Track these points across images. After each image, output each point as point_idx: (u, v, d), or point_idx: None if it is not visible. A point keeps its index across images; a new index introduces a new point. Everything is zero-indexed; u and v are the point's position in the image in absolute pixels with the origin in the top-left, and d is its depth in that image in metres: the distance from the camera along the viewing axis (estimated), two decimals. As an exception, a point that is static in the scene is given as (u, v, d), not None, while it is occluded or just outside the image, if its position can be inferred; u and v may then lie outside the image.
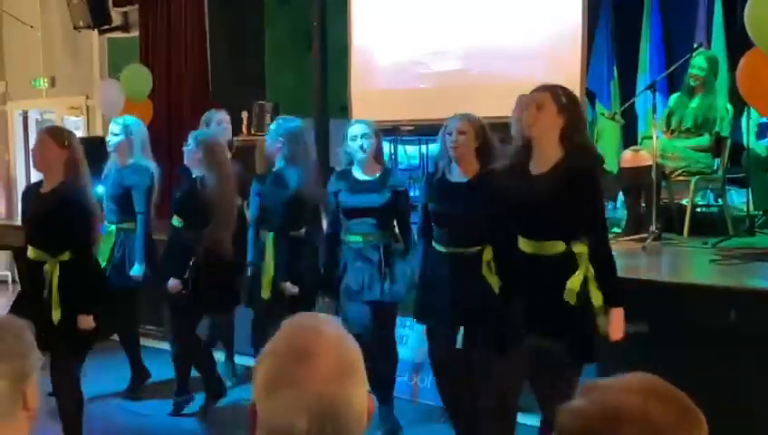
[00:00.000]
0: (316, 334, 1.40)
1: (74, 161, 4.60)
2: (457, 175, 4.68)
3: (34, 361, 1.81)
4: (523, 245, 3.96)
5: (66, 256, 4.57)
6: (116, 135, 6.02)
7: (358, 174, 5.12)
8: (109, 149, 6.13)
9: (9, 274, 11.37)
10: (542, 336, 3.88)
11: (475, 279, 4.48)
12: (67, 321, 4.51)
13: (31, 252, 4.69)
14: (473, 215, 4.49)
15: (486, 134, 4.63)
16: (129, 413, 5.90)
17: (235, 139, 8.67)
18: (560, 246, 3.84)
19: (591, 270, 3.81)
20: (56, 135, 4.65)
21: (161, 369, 6.19)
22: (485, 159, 4.57)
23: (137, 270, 5.90)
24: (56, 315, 4.49)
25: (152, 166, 6.07)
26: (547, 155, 3.86)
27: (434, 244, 4.74)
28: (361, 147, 5.06)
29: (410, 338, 6.06)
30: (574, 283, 3.78)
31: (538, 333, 3.89)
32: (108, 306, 4.93)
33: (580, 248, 3.82)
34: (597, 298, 3.82)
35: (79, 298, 4.57)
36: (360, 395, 1.39)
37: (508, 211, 4.04)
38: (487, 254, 4.49)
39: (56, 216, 4.55)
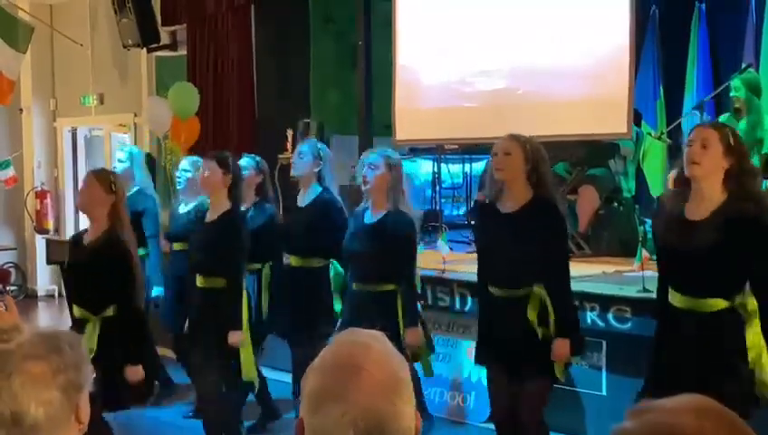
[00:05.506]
0: (364, 349, 1.39)
1: (119, 208, 4.47)
2: (506, 205, 4.17)
3: (88, 374, 1.82)
4: (676, 299, 3.57)
5: (110, 312, 4.41)
6: (122, 162, 6.22)
7: None
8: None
9: (56, 287, 11.53)
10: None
11: (522, 327, 4.05)
12: (108, 376, 4.17)
13: (75, 310, 4.56)
14: (519, 251, 4.05)
15: (539, 157, 4.13)
16: (149, 420, 5.87)
17: (280, 157, 8.76)
18: (720, 304, 3.47)
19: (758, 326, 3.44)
20: (103, 179, 4.51)
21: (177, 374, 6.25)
22: (538, 185, 4.12)
23: (157, 291, 6.05)
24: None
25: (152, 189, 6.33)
26: (708, 198, 3.51)
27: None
28: None
29: (451, 356, 6.04)
30: (755, 341, 3.40)
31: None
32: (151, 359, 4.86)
33: (751, 303, 3.45)
34: None
35: (125, 351, 4.38)
36: (408, 412, 1.37)
37: (662, 259, 3.70)
38: (534, 300, 4.04)
39: (98, 271, 4.41)
